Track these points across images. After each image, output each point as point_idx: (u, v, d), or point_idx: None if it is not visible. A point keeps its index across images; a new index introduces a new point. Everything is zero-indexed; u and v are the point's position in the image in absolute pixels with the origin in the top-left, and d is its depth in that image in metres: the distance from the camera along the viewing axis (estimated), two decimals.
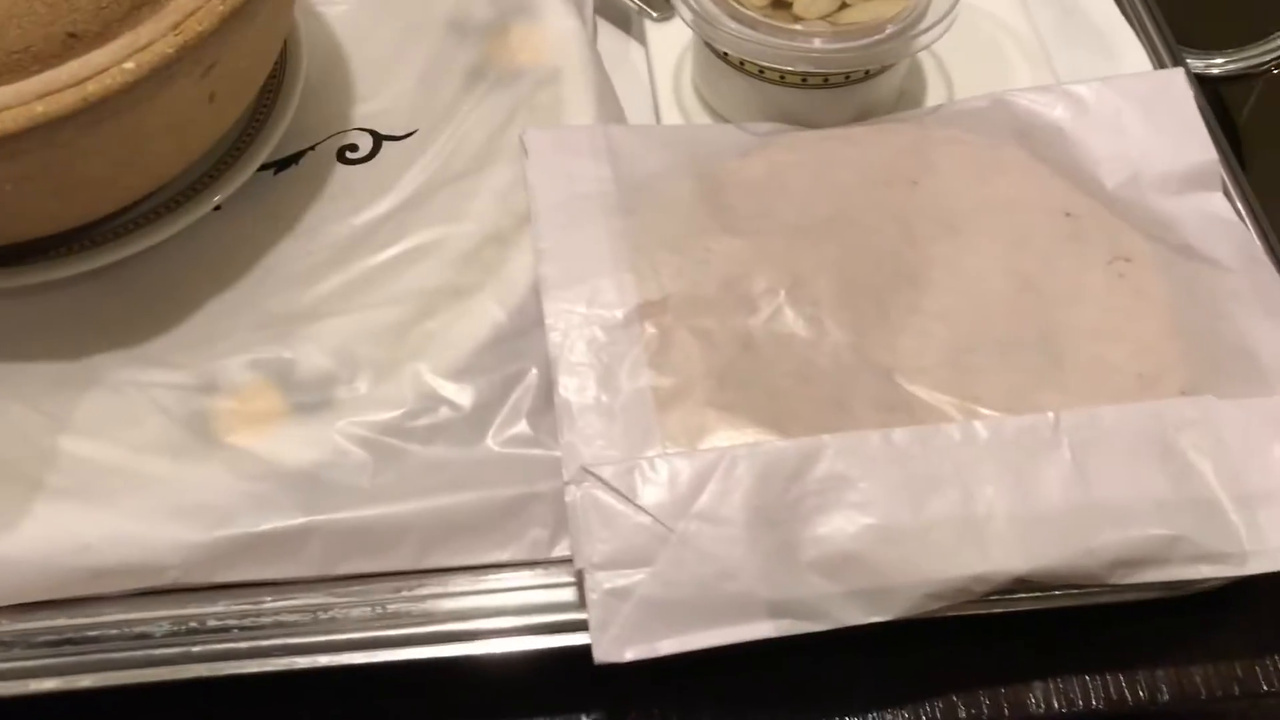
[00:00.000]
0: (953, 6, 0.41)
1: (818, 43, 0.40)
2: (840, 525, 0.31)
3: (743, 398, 0.34)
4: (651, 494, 0.32)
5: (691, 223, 0.38)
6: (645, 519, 0.32)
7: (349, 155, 0.42)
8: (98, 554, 0.32)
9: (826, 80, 0.42)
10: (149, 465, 0.34)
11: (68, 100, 0.31)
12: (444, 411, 0.35)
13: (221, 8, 0.34)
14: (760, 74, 0.42)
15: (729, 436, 0.33)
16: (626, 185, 0.39)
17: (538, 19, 0.45)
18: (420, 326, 0.37)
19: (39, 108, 0.31)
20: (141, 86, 0.32)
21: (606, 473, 0.32)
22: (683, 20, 0.42)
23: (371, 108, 0.43)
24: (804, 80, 0.42)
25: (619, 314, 0.36)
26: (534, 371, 0.36)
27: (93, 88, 0.32)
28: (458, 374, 0.36)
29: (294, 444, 0.35)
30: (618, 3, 0.49)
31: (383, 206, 0.40)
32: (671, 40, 0.47)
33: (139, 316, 0.38)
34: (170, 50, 0.33)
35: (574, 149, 0.40)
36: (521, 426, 0.35)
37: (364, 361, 0.36)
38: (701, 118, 0.44)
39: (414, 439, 0.35)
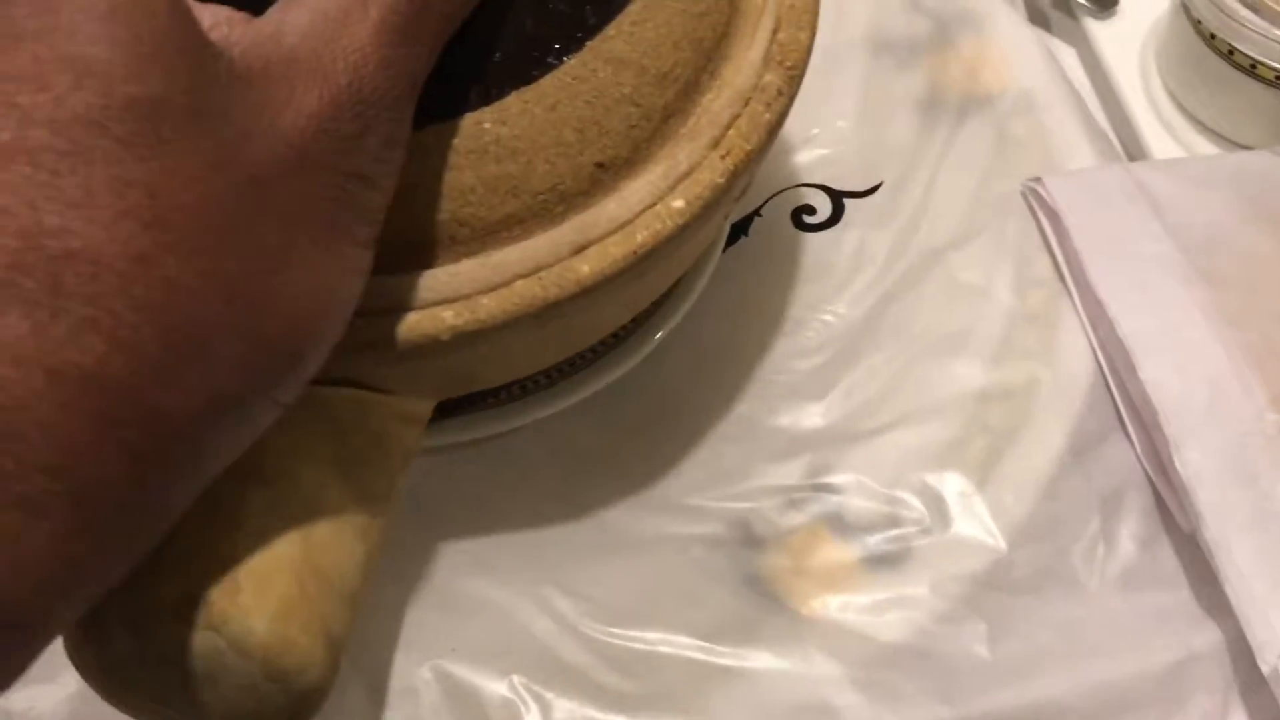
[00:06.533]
0: None
1: None
2: None
3: None
4: None
5: None
6: None
7: (806, 219, 0.35)
8: None
9: None
10: (729, 655, 0.28)
11: (615, 255, 0.24)
12: (1042, 550, 0.29)
13: (768, 116, 0.26)
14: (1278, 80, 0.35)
15: None
16: (1187, 242, 0.32)
17: (986, 30, 0.38)
18: (978, 443, 0.31)
19: (584, 268, 0.24)
20: (691, 227, 0.25)
21: None
22: (1192, 14, 0.35)
23: (814, 156, 0.36)
24: None
25: (1249, 418, 0.29)
26: (1130, 489, 0.30)
27: (642, 236, 0.24)
28: (1043, 500, 0.30)
29: (886, 610, 0.29)
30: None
31: (870, 286, 0.34)
32: (1127, 41, 0.39)
33: (624, 453, 0.32)
34: (721, 180, 0.25)
35: (1105, 199, 0.33)
36: (1135, 561, 0.29)
37: (928, 495, 0.30)
38: (1192, 137, 0.37)
39: (1022, 590, 0.29)
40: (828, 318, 0.33)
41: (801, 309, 0.34)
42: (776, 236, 0.35)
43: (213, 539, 0.22)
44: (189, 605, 0.21)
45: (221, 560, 0.22)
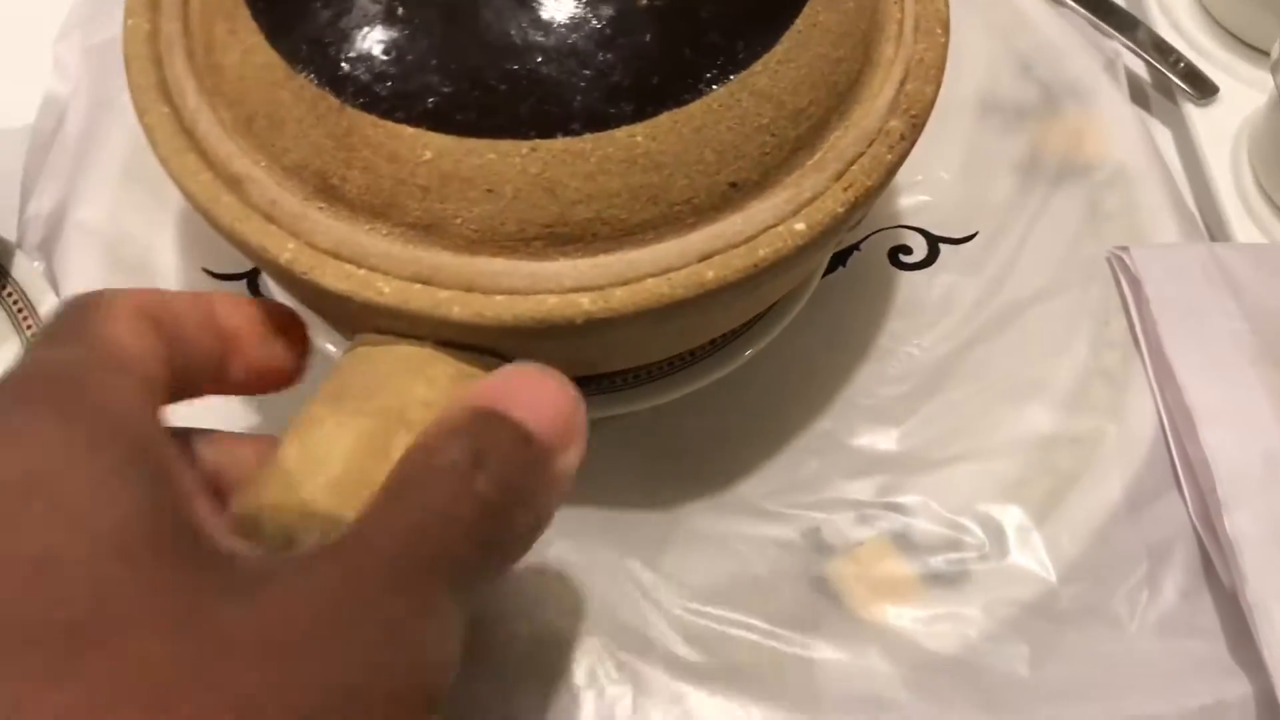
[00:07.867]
0: None
1: None
2: None
3: None
4: None
5: None
6: None
7: (902, 258, 0.38)
8: None
9: None
10: (796, 643, 0.31)
11: (737, 265, 0.27)
12: (1089, 588, 0.32)
13: (890, 157, 0.29)
14: None
15: None
16: (1260, 325, 0.34)
17: (1090, 104, 0.40)
18: (1042, 483, 0.33)
19: (709, 274, 0.27)
20: (808, 249, 0.28)
21: None
22: None
23: (915, 201, 0.39)
24: None
25: None
26: (1179, 543, 0.33)
27: (764, 252, 0.27)
28: (1096, 542, 0.32)
29: (939, 623, 0.31)
30: (1135, 79, 0.44)
31: (956, 327, 0.36)
32: (1223, 129, 0.42)
33: (710, 454, 0.34)
34: (841, 210, 0.28)
35: (1186, 274, 0.36)
36: (1175, 609, 0.32)
37: (989, 525, 0.33)
38: (1276, 227, 0.39)
39: (1066, 621, 0.31)
40: (913, 351, 0.36)
41: (889, 340, 0.36)
42: (873, 271, 0.38)
43: (365, 470, 0.25)
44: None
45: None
